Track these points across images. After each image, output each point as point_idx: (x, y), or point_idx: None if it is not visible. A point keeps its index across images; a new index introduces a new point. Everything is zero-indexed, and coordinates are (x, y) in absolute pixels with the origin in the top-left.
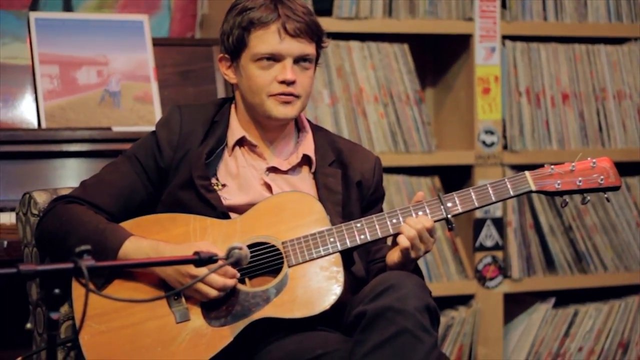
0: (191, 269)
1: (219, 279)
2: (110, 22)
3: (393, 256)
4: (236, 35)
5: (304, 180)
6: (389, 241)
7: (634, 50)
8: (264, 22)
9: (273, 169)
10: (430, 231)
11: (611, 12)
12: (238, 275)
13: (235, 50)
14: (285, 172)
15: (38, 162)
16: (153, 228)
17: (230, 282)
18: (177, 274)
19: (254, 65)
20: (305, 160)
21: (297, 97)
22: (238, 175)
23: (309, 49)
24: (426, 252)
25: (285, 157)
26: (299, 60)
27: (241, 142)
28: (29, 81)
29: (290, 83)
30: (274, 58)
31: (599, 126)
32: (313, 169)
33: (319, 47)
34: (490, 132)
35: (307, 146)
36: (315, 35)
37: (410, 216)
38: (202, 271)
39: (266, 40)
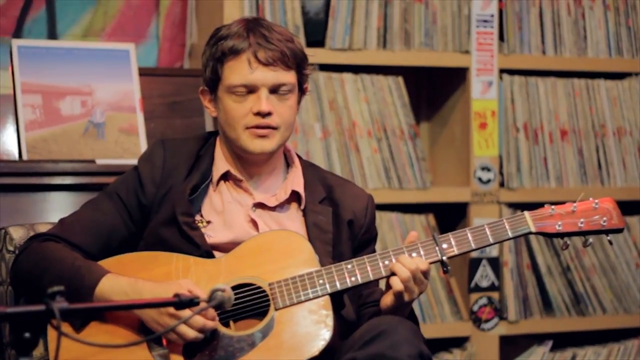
0: (170, 308)
1: (199, 319)
2: (95, 50)
3: (386, 300)
4: (211, 67)
5: (293, 218)
6: (382, 284)
7: (634, 86)
8: (234, 51)
9: (260, 205)
10: (425, 273)
11: (611, 47)
12: (217, 318)
13: (212, 82)
14: (273, 209)
15: (19, 195)
16: (134, 266)
17: (210, 323)
18: (156, 313)
19: (229, 98)
20: (294, 196)
21: (275, 128)
22: (223, 212)
23: (285, 77)
24: (420, 293)
25: (272, 192)
26: (275, 89)
27: (226, 176)
28: (10, 111)
29: (265, 114)
30: (248, 89)
31: (599, 163)
32: (302, 206)
33: (300, 75)
34: (486, 169)
35: (296, 182)
36: (293, 63)
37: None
38: (181, 312)
39: (237, 70)
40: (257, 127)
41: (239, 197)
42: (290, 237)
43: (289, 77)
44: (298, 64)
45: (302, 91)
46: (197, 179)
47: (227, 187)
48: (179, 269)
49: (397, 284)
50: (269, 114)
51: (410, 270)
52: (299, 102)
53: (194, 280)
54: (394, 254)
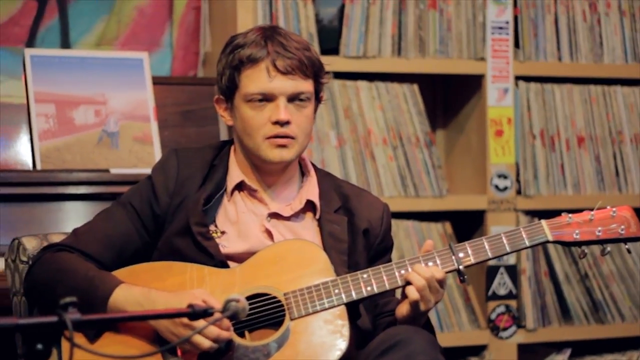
0: (184, 318)
1: (214, 329)
2: (108, 59)
3: (402, 309)
4: (227, 75)
5: (308, 227)
6: (398, 293)
7: None
8: (252, 60)
9: (275, 215)
10: (441, 282)
11: (627, 53)
12: (231, 328)
13: (228, 91)
14: (288, 219)
15: (32, 205)
16: (148, 277)
17: (225, 333)
18: (171, 323)
19: (247, 106)
20: (309, 206)
21: (293, 138)
22: (237, 222)
23: (303, 86)
24: (436, 302)
25: (287, 202)
26: (293, 98)
27: (240, 186)
28: (24, 120)
29: (284, 123)
30: (266, 98)
31: (616, 170)
32: (317, 216)
33: (317, 83)
34: (503, 176)
35: (311, 191)
36: (311, 72)
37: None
38: (195, 322)
39: (255, 79)
40: (276, 136)
41: (253, 207)
42: (306, 247)
43: (307, 86)
44: (315, 72)
45: (318, 100)
46: (211, 189)
47: (241, 197)
48: (193, 279)
49: (412, 293)
50: (287, 122)
51: (426, 278)
52: (315, 110)
53: (208, 291)
54: (410, 263)
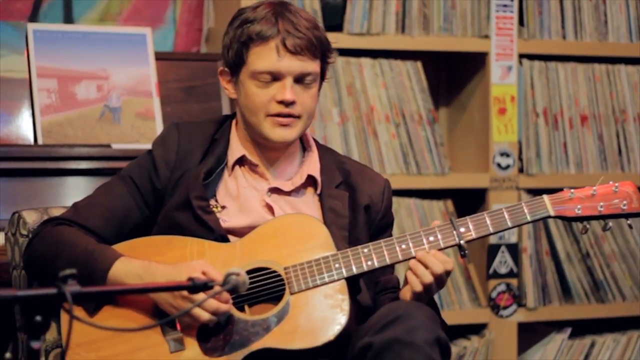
0: (184, 290)
1: (213, 302)
2: (111, 35)
3: (406, 295)
4: (235, 49)
5: (308, 203)
6: (400, 275)
7: None
8: (262, 37)
9: (275, 190)
10: (448, 273)
11: (632, 32)
12: (231, 301)
13: (234, 64)
14: (289, 194)
15: (34, 179)
16: (148, 251)
17: (224, 306)
18: (170, 296)
19: (252, 83)
20: (310, 181)
21: (297, 117)
22: (238, 197)
23: (311, 66)
24: (440, 288)
25: (288, 177)
26: (300, 78)
27: (241, 161)
28: (26, 95)
29: (289, 104)
30: (274, 77)
31: (619, 149)
32: (318, 191)
33: (324, 63)
34: (505, 155)
35: (312, 166)
36: (319, 52)
37: (422, 248)
38: (196, 294)
39: (264, 57)
40: (280, 115)
41: (254, 182)
42: (306, 221)
43: (314, 67)
44: (323, 52)
45: (323, 79)
46: (212, 163)
47: (242, 171)
48: (193, 252)
49: (416, 285)
50: (292, 102)
51: (436, 275)
52: (319, 89)
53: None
54: (411, 238)
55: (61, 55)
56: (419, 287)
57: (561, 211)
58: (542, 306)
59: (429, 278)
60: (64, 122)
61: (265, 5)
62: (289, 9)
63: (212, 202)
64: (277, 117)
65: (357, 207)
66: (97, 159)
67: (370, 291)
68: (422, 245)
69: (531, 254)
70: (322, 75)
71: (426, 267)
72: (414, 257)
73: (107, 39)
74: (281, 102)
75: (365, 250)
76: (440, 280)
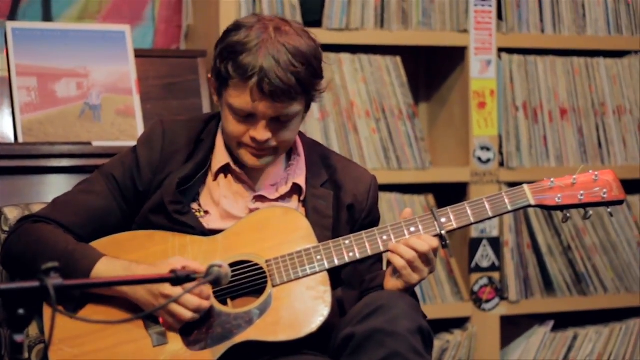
0: (164, 288)
1: (194, 299)
2: (90, 32)
3: (393, 284)
4: (217, 72)
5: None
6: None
7: (634, 64)
8: (240, 75)
9: (260, 197)
10: (435, 250)
11: (611, 25)
12: (212, 297)
13: (218, 84)
14: (274, 201)
15: (14, 177)
16: (130, 245)
17: (206, 303)
18: (149, 294)
19: (229, 112)
20: (295, 189)
21: (274, 148)
22: (221, 204)
23: (288, 109)
24: (430, 272)
25: (273, 181)
26: (276, 118)
27: (226, 169)
28: (5, 94)
29: (262, 142)
30: (249, 113)
31: (599, 142)
32: (302, 197)
33: (309, 96)
34: (486, 148)
35: (298, 173)
36: (300, 92)
37: (403, 236)
38: (175, 291)
39: (239, 96)
40: (254, 148)
41: (238, 189)
42: (288, 214)
43: (293, 107)
44: (308, 89)
45: (308, 108)
46: (192, 168)
47: (226, 178)
48: (175, 247)
49: (398, 261)
50: (266, 140)
51: (423, 251)
52: (304, 117)
53: (190, 258)
54: (392, 229)
55: (41, 53)
56: (401, 263)
57: (541, 200)
58: (524, 299)
59: (410, 254)
60: (44, 120)
61: (260, 26)
62: (278, 40)
63: (195, 206)
64: (251, 148)
65: (341, 206)
66: (77, 157)
67: (356, 290)
68: (404, 236)
69: (513, 248)
70: (308, 106)
71: (408, 246)
72: None
73: (87, 36)
74: (254, 140)
75: (347, 241)
76: (427, 259)
